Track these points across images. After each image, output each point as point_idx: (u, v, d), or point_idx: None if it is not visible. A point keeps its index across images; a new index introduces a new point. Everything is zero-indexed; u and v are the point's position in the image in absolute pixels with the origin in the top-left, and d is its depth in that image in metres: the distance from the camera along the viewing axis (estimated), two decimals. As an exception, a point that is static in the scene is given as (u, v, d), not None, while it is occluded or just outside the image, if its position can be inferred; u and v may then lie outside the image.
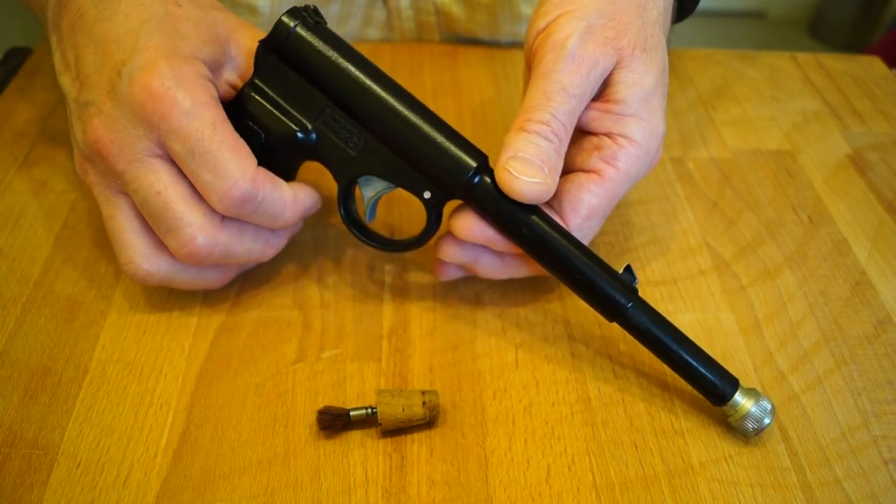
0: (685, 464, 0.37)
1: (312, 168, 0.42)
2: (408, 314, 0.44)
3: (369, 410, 0.37)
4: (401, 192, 0.40)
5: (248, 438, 0.37)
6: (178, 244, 0.38)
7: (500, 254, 0.41)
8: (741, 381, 0.38)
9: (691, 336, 0.38)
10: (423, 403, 0.37)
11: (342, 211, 0.41)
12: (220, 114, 0.37)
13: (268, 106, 0.40)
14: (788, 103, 0.62)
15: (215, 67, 0.40)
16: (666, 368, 0.39)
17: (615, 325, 0.39)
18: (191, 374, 0.40)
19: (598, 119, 0.41)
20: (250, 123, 0.40)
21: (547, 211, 0.39)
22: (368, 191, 0.41)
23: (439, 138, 0.38)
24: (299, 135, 0.39)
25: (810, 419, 0.39)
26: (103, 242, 0.46)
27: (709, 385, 0.37)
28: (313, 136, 0.40)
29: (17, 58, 0.62)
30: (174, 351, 0.41)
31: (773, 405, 0.37)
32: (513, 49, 0.66)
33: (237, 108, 0.39)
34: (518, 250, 0.40)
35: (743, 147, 0.58)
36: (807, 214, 0.52)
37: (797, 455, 0.38)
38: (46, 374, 0.40)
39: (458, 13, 0.65)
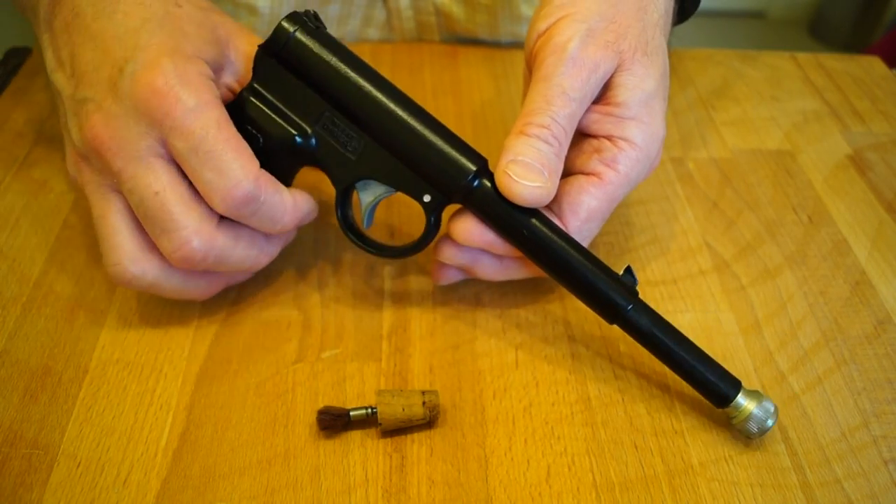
0: (685, 464, 0.37)
1: (311, 173, 0.42)
2: (408, 314, 0.44)
3: (369, 410, 0.37)
4: (400, 193, 0.40)
5: (248, 438, 0.37)
6: (173, 247, 0.37)
7: (499, 256, 0.41)
8: (741, 382, 0.38)
9: (691, 336, 0.38)
10: (423, 403, 0.37)
11: (339, 216, 0.41)
12: (224, 114, 0.37)
13: (266, 110, 0.39)
14: (788, 103, 0.62)
15: (216, 69, 0.40)
16: (666, 369, 0.39)
17: (615, 326, 0.39)
18: (191, 374, 0.40)
19: (599, 122, 0.41)
20: (249, 128, 0.39)
21: (546, 213, 0.39)
22: (367, 196, 0.41)
23: (439, 142, 0.38)
24: (298, 139, 0.39)
25: (810, 419, 0.39)
26: (103, 242, 0.46)
27: (711, 387, 0.37)
28: (312, 140, 0.39)
29: (17, 58, 0.62)
30: (174, 351, 0.41)
31: (775, 406, 0.37)
32: (513, 49, 0.66)
33: (235, 113, 0.39)
34: (518, 253, 0.40)
35: (743, 147, 0.58)
36: (807, 214, 0.52)
37: (797, 455, 0.38)
38: (46, 374, 0.40)
39: (458, 13, 0.65)
